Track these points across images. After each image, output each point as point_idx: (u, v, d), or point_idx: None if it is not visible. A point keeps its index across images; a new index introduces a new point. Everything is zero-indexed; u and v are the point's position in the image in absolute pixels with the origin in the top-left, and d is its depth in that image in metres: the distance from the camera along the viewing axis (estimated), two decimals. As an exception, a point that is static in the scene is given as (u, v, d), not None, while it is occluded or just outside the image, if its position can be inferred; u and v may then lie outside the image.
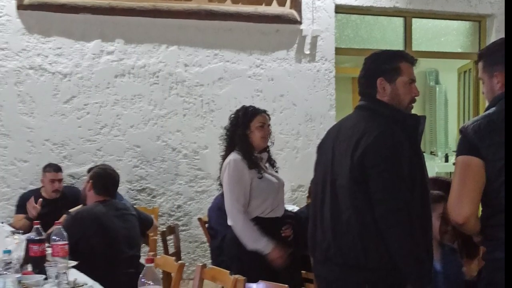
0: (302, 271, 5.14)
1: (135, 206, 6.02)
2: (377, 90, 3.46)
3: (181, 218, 7.21)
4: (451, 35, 8.93)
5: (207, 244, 6.57)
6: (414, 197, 3.25)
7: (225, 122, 5.07)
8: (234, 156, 4.78)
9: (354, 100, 10.46)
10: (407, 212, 3.19)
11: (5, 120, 6.60)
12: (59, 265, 3.70)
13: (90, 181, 5.18)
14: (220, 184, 4.97)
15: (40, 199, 6.02)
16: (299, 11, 7.53)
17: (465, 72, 9.25)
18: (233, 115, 5.00)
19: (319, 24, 7.66)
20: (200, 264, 4.23)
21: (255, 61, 7.42)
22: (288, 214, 5.17)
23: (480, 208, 3.22)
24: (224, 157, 4.92)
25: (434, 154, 12.51)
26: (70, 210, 5.25)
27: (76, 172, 6.80)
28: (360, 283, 3.31)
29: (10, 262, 3.68)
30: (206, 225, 6.27)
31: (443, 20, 8.73)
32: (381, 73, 3.46)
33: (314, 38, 7.64)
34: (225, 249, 5.02)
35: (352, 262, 3.31)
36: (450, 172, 10.76)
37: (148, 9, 6.91)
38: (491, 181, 3.08)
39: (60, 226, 4.22)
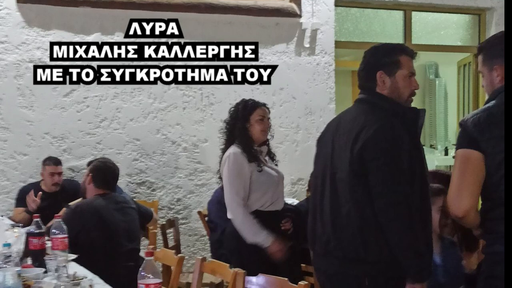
0: (302, 264, 5.16)
1: (134, 199, 6.03)
2: (377, 83, 3.47)
3: (181, 212, 7.21)
4: (450, 29, 8.93)
5: (207, 237, 6.58)
6: (414, 190, 3.26)
7: (225, 115, 5.07)
8: (233, 149, 4.78)
9: (354, 93, 10.47)
10: (407, 206, 3.20)
11: (4, 113, 6.59)
12: (58, 258, 3.70)
13: (90, 174, 5.18)
14: (220, 178, 4.97)
15: (40, 193, 6.03)
16: (298, 4, 7.52)
17: (464, 65, 9.26)
18: (232, 108, 5.00)
19: (318, 17, 7.65)
20: (200, 257, 4.24)
21: (255, 54, 7.41)
22: (287, 208, 5.17)
23: (480, 202, 3.22)
24: (224, 151, 4.92)
25: (434, 148, 12.52)
26: (70, 204, 5.25)
27: (75, 165, 6.80)
28: (359, 276, 3.32)
29: (10, 256, 3.68)
30: (206, 218, 6.28)
31: (442, 14, 8.73)
32: (380, 67, 3.46)
33: (314, 32, 7.64)
34: (225, 243, 5.02)
35: (352, 255, 3.32)
36: (450, 166, 10.77)
37: (148, 3, 6.90)
38: (490, 174, 3.08)
39: (59, 220, 4.22)
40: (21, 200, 6.19)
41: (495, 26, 8.42)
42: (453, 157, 3.37)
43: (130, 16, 6.86)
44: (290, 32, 7.59)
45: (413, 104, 3.56)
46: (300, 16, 7.55)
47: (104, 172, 5.21)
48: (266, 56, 7.43)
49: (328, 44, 7.76)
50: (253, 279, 3.83)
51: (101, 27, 6.88)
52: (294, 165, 7.49)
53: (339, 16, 8.06)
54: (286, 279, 3.65)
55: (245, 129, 4.83)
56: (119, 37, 6.90)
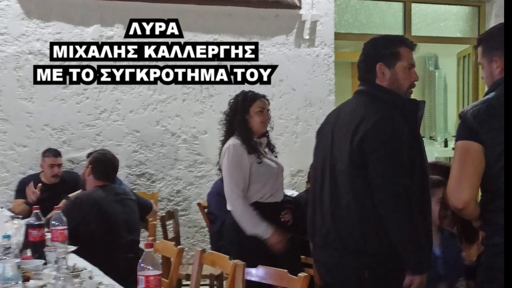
0: (302, 256, 5.15)
1: (134, 191, 6.04)
2: (377, 75, 3.47)
3: (181, 203, 7.21)
4: (450, 20, 8.92)
5: (207, 229, 6.57)
6: (414, 182, 3.26)
7: (225, 107, 5.05)
8: (233, 141, 4.77)
9: (354, 85, 10.45)
10: (407, 197, 3.20)
11: (4, 105, 6.59)
12: (58, 250, 3.69)
13: (90, 166, 5.18)
14: (220, 169, 4.96)
15: (40, 184, 6.03)
16: (298, -4, 7.52)
17: (464, 57, 9.24)
18: (232, 100, 4.98)
19: (318, 9, 7.64)
20: (200, 249, 4.23)
21: (254, 46, 7.40)
22: (287, 199, 5.16)
23: (480, 193, 3.22)
24: (224, 142, 4.90)
25: (434, 139, 12.52)
26: (70, 195, 5.26)
27: (75, 157, 6.80)
28: (359, 268, 3.32)
29: (10, 247, 3.66)
30: (206, 210, 6.28)
31: (442, 5, 8.73)
32: (380, 58, 3.46)
33: (314, 23, 7.62)
34: (225, 234, 5.02)
35: (352, 247, 3.32)
36: (450, 157, 10.77)
37: (148, -6, 6.90)
38: (490, 166, 3.08)
39: (59, 211, 4.22)
40: (20, 191, 6.20)
41: (495, 17, 8.40)
42: (453, 148, 3.37)
43: (130, 8, 6.86)
44: (290, 23, 7.57)
45: (412, 96, 3.56)
46: (299, 7, 7.53)
47: (104, 164, 5.21)
48: (266, 48, 7.42)
49: (328, 36, 7.75)
50: (253, 270, 3.83)
51: (100, 19, 6.87)
52: (294, 157, 7.48)
53: (338, 8, 8.05)
54: (286, 270, 3.64)
55: (245, 121, 4.82)
56: (118, 28, 6.89)
